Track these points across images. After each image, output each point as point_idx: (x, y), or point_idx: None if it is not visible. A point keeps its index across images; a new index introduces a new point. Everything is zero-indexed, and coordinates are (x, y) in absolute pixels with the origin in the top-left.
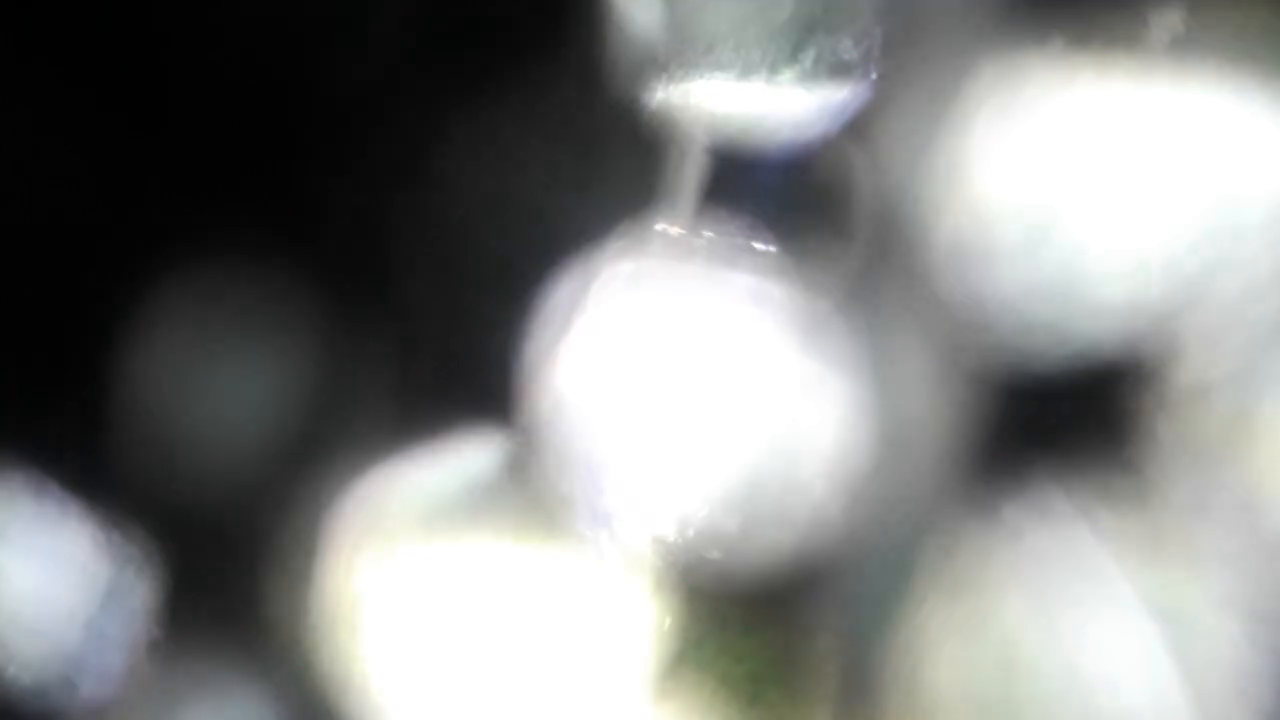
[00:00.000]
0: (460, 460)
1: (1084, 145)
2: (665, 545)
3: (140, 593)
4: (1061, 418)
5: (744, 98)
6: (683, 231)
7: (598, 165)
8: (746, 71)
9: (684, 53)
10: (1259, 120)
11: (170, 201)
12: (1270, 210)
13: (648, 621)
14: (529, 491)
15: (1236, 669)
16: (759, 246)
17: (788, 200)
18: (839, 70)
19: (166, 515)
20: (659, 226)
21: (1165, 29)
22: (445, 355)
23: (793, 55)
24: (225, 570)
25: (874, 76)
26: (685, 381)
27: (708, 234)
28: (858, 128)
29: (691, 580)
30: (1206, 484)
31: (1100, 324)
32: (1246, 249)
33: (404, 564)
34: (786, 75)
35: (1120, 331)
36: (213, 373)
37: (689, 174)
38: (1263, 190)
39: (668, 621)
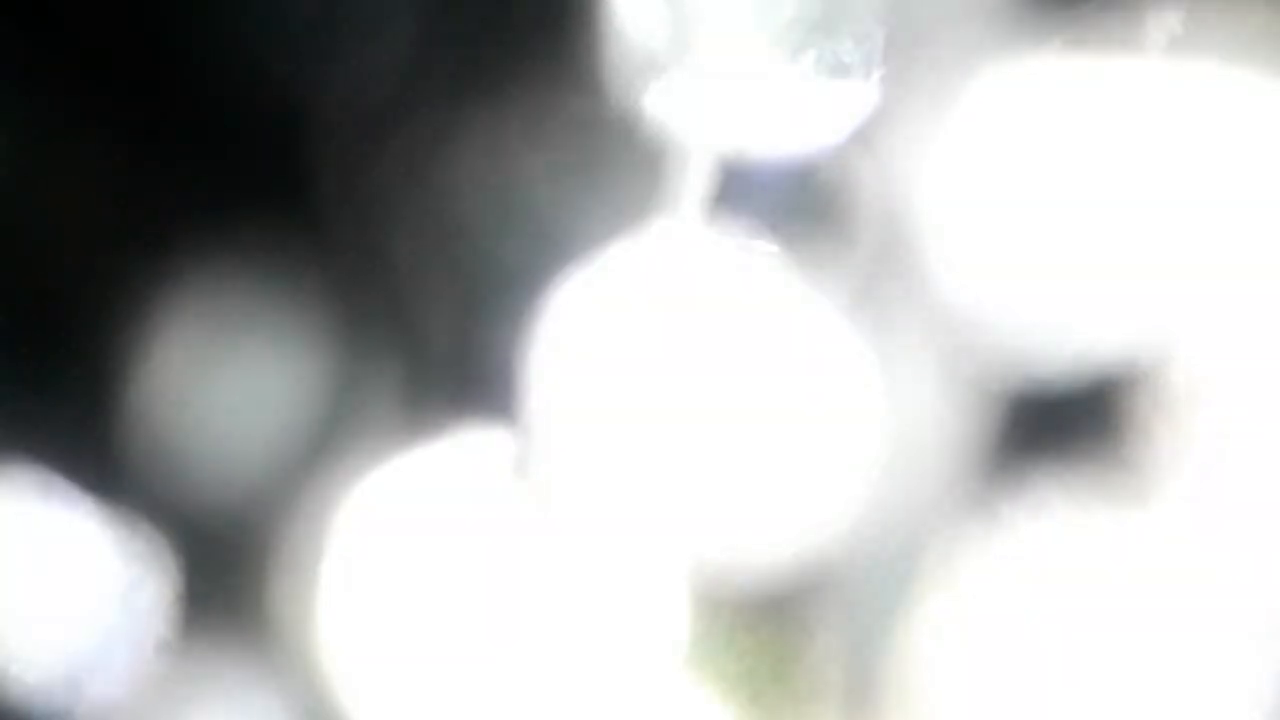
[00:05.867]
0: (465, 461)
1: (1084, 149)
2: (669, 546)
3: (149, 592)
4: (1061, 420)
5: (746, 101)
6: (687, 236)
7: (602, 170)
8: (748, 75)
9: (684, 57)
10: (1257, 121)
11: (181, 204)
12: (1269, 210)
13: (651, 621)
14: (534, 493)
15: (1238, 666)
16: (763, 251)
17: (791, 205)
18: (840, 73)
19: (175, 515)
20: (663, 230)
21: (1164, 30)
22: (450, 356)
23: (794, 58)
24: (233, 570)
25: (875, 79)
26: (690, 383)
27: (712, 238)
28: (861, 131)
29: (694, 580)
30: (1205, 484)
31: (1101, 327)
32: (1246, 248)
33: (408, 563)
34: (788, 78)
35: (1120, 334)
36: (221, 374)
37: (692, 179)
38: (1262, 190)
39: (671, 621)
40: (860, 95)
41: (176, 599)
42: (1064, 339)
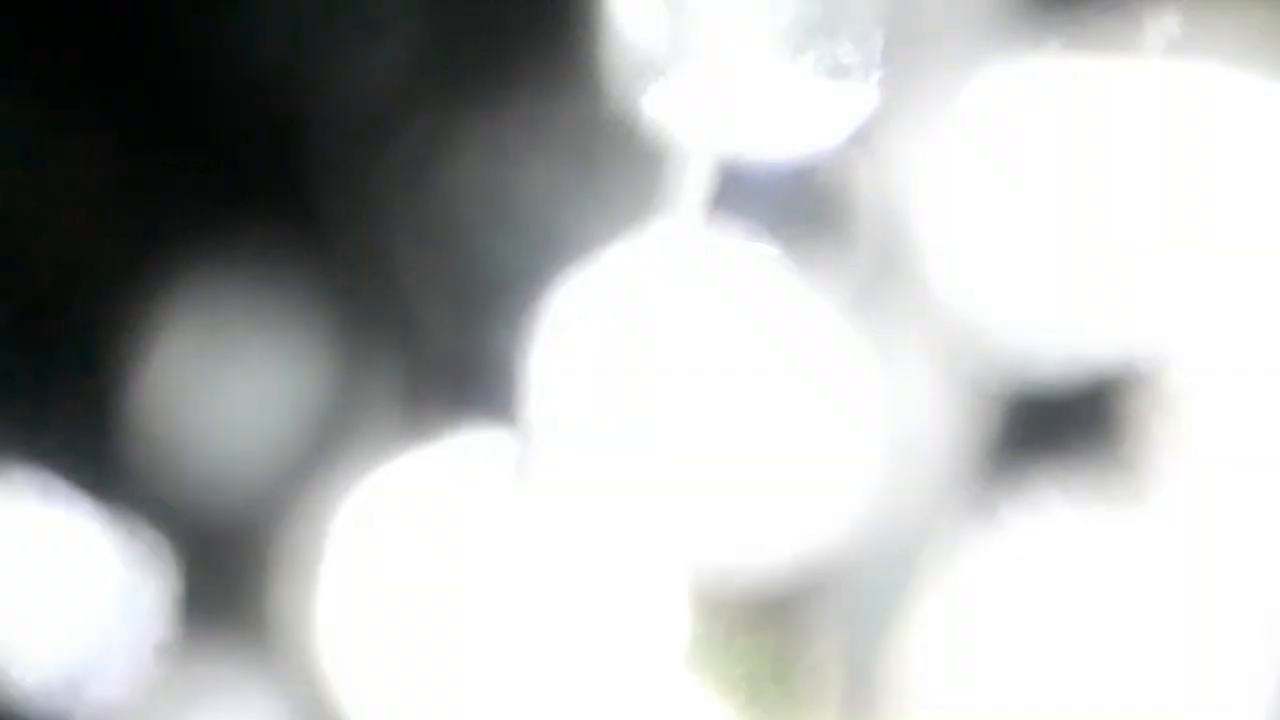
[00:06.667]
0: (464, 461)
1: (1082, 151)
2: (670, 548)
3: (149, 594)
4: (1060, 420)
5: (745, 103)
6: (686, 237)
7: (601, 171)
8: (747, 76)
9: (684, 58)
10: (1256, 123)
11: (181, 206)
12: (1268, 211)
13: (652, 622)
14: (533, 492)
15: (1236, 664)
16: (763, 252)
17: (791, 207)
18: (840, 74)
19: (176, 516)
20: (662, 232)
21: (1162, 33)
22: (450, 357)
23: (793, 59)
24: (233, 571)
25: (875, 81)
26: (689, 385)
27: (711, 240)
28: (860, 133)
29: (695, 581)
30: (1202, 484)
31: (1098, 328)
32: (1241, 250)
33: (408, 563)
34: (787, 79)
35: (1118, 336)
36: (222, 375)
37: (691, 179)
38: (1260, 192)
39: (671, 622)
40: (860, 97)
41: (176, 601)
42: (1063, 339)
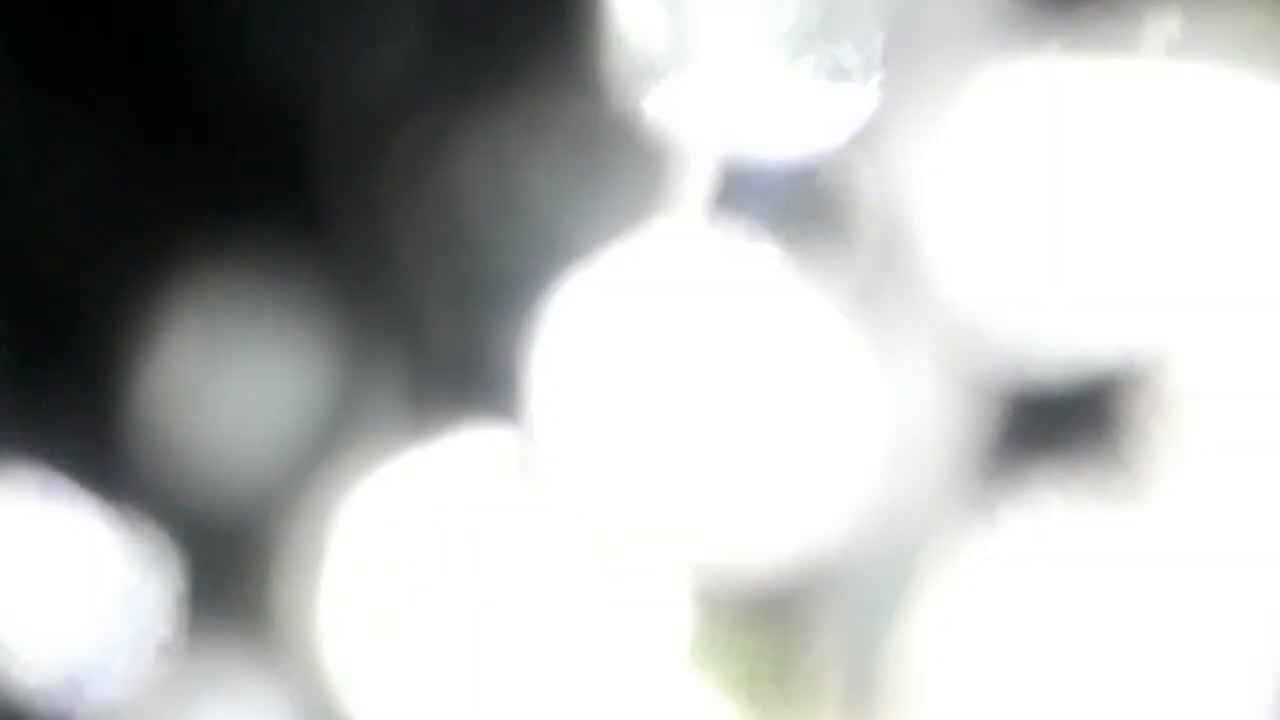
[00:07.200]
0: (467, 461)
1: (1083, 151)
2: (671, 547)
3: (152, 593)
4: (1059, 421)
5: (746, 104)
6: (688, 237)
7: (604, 171)
8: (749, 78)
9: (685, 61)
10: (1254, 123)
11: (184, 204)
12: (1267, 212)
13: (652, 621)
14: (535, 491)
15: (1235, 664)
16: (764, 252)
17: (792, 207)
18: (840, 76)
19: (179, 515)
20: (664, 231)
21: (1161, 33)
22: (453, 355)
23: (794, 62)
24: (237, 570)
25: (875, 83)
26: (690, 384)
27: (713, 239)
28: (860, 134)
29: (696, 580)
30: (1199, 484)
31: (1098, 328)
32: (1242, 252)
33: (411, 562)
34: (789, 82)
35: (1117, 336)
36: (226, 373)
37: (693, 180)
38: (1259, 192)
39: (672, 621)
40: (860, 99)
41: (180, 600)
42: (1063, 339)
